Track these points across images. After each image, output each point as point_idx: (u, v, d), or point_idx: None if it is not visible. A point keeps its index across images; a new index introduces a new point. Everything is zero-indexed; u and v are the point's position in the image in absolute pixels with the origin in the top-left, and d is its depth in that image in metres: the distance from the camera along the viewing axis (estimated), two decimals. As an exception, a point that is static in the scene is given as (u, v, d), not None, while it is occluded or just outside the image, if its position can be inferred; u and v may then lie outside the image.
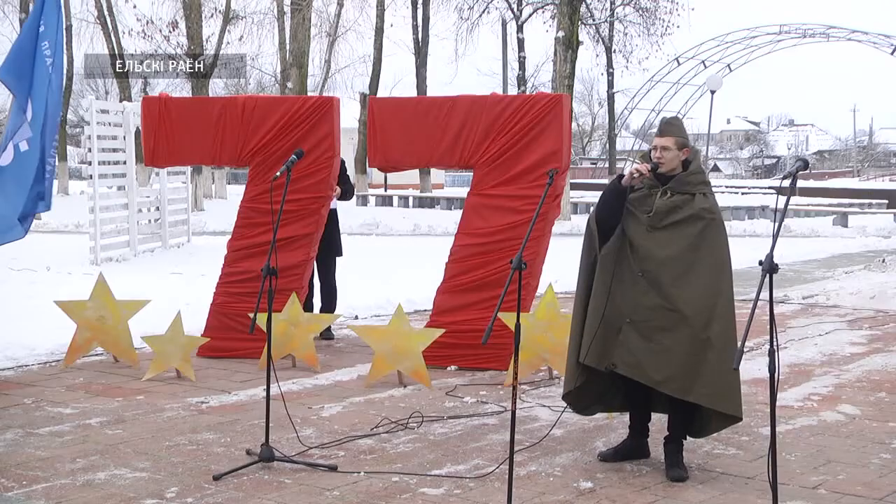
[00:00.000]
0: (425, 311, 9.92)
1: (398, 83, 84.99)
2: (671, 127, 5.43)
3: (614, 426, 6.25)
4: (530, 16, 37.96)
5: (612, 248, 5.36)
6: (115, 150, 16.31)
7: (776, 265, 4.22)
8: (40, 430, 6.21)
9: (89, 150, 15.44)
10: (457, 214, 25.30)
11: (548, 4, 35.88)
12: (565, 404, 5.73)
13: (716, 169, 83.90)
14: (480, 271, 8.08)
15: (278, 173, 5.90)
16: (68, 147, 45.25)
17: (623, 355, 5.28)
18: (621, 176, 5.34)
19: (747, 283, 13.83)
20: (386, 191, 44.06)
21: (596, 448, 5.83)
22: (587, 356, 5.36)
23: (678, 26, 39.52)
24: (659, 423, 5.61)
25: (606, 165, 51.23)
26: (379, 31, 37.17)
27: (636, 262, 5.28)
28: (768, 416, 4.45)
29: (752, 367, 7.91)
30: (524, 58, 38.39)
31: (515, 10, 38.03)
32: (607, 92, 46.57)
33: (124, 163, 16.49)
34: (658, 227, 5.29)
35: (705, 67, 54.01)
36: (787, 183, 4.40)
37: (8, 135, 7.63)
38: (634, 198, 5.37)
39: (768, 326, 4.20)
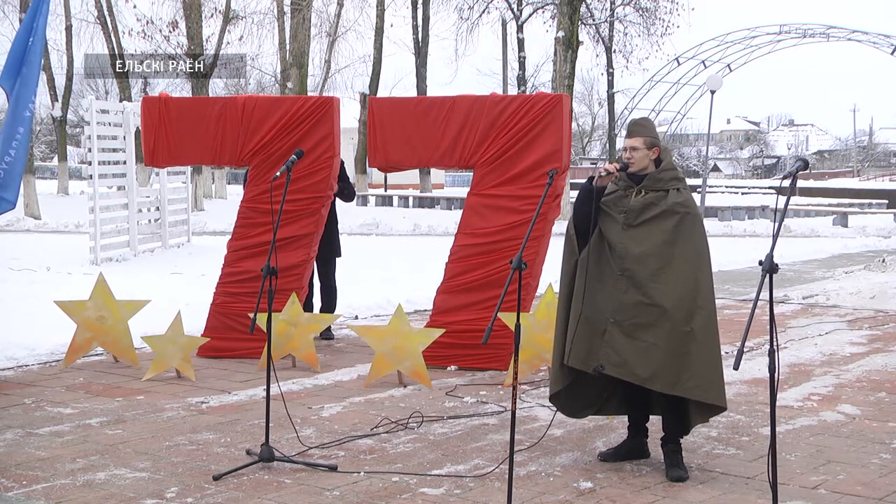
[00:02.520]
0: (425, 311, 9.92)
1: (398, 83, 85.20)
2: (639, 127, 5.47)
3: (614, 426, 6.25)
4: (530, 16, 38.00)
5: (589, 251, 5.41)
6: (115, 150, 16.31)
7: (776, 265, 4.23)
8: (40, 430, 6.21)
9: (89, 150, 15.44)
10: (457, 214, 25.32)
11: (548, 4, 35.89)
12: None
13: (716, 169, 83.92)
14: (480, 271, 8.08)
15: (278, 173, 5.91)
16: (68, 147, 45.20)
17: (609, 355, 5.31)
18: (592, 178, 5.38)
19: (747, 283, 13.86)
20: (386, 191, 44.10)
21: (596, 448, 5.83)
22: (571, 358, 5.40)
23: (678, 26, 39.66)
24: (658, 423, 5.61)
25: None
26: (379, 31, 37.15)
27: (615, 262, 5.33)
28: (768, 416, 4.45)
29: (752, 367, 7.92)
30: (524, 58, 38.43)
31: (515, 10, 38.05)
32: (607, 92, 46.57)
33: (124, 163, 16.49)
34: (633, 224, 5.35)
35: (705, 67, 54.09)
36: (787, 183, 4.41)
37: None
38: (610, 199, 5.43)
39: (768, 326, 4.20)
